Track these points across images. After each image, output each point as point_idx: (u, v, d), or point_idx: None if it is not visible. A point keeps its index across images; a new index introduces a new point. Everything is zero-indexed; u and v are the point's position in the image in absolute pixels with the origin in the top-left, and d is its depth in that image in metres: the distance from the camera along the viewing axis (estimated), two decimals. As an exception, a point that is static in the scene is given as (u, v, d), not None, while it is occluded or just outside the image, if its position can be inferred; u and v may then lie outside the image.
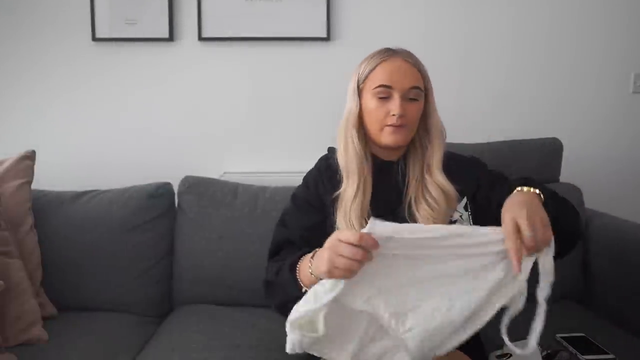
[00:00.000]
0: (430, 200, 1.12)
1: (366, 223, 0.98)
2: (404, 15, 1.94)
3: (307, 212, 1.19)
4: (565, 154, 1.77)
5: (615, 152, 2.02)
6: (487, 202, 1.13)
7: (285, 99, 1.97)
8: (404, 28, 1.95)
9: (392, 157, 1.21)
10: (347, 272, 0.85)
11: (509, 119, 1.97)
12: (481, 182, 1.18)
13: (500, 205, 0.98)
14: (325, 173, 1.22)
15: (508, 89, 1.99)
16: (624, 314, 1.48)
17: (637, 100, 2.02)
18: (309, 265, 0.99)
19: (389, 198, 1.17)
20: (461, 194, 1.15)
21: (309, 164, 1.29)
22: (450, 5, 1.95)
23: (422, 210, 1.12)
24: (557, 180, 1.79)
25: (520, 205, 0.91)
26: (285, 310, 0.99)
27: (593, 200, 1.76)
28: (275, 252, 1.19)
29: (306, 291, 0.98)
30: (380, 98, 1.13)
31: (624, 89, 2.02)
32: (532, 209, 0.91)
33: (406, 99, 1.13)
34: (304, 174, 1.26)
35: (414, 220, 1.11)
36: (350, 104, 1.18)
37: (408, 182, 1.17)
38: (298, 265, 1.04)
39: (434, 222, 1.09)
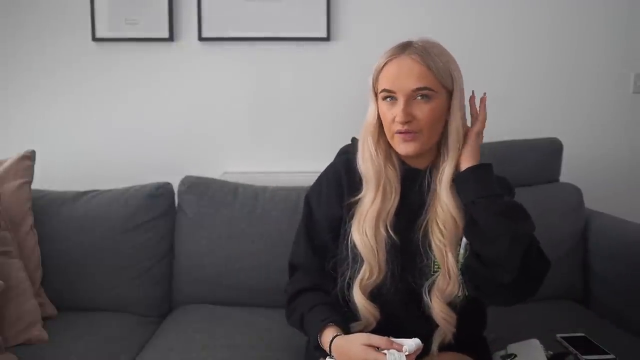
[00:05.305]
0: (440, 223, 1.01)
1: (386, 231, 1.02)
2: (404, 15, 1.94)
3: (328, 206, 1.11)
4: (565, 154, 1.77)
5: (615, 152, 2.01)
6: None
7: (285, 99, 1.97)
8: (404, 28, 1.92)
9: (420, 164, 1.08)
10: None
11: (509, 119, 1.96)
12: None
13: None
14: (345, 173, 1.11)
15: (508, 89, 1.98)
16: (624, 314, 1.48)
17: (637, 100, 2.01)
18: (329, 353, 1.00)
19: (413, 210, 1.06)
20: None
21: (309, 163, 1.27)
22: (451, 5, 1.95)
23: (435, 236, 1.01)
24: (557, 180, 1.79)
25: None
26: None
27: (593, 200, 1.76)
28: (294, 268, 1.18)
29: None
30: (388, 102, 1.03)
31: (624, 89, 2.01)
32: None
33: (414, 100, 1.00)
34: (304, 174, 1.22)
35: (429, 247, 1.02)
36: (369, 107, 1.08)
37: (432, 195, 1.05)
38: (320, 339, 1.03)
39: (446, 250, 1.00)
